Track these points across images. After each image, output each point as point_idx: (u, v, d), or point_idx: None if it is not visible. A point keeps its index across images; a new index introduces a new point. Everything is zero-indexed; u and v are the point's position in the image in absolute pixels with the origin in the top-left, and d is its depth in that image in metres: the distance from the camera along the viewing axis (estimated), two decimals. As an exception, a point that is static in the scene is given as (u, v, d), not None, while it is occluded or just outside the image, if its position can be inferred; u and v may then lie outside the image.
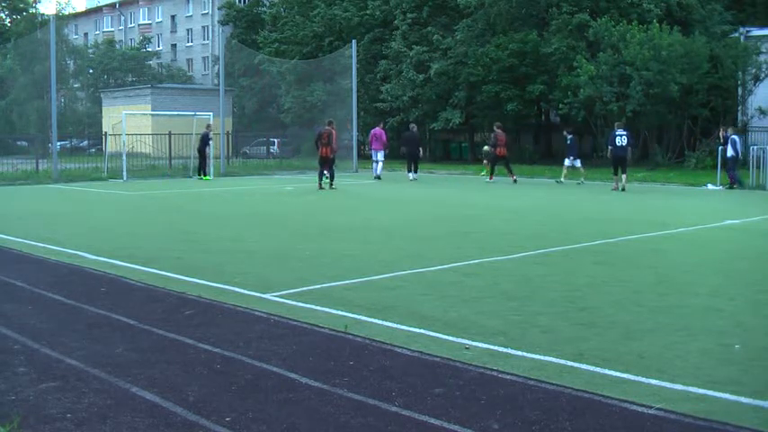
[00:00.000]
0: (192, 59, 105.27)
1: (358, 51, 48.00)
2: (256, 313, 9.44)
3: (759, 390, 6.61)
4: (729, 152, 32.44)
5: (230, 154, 50.07)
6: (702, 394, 6.56)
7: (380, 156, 37.72)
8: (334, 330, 8.59)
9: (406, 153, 38.15)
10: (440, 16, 55.95)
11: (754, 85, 45.26)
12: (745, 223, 19.72)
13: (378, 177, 36.67)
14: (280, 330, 8.69)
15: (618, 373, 7.08)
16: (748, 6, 51.04)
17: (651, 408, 6.20)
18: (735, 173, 31.99)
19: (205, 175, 36.33)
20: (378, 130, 38.46)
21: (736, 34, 46.56)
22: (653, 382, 6.85)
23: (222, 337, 8.30)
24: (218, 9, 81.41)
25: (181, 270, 12.27)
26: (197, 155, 37.54)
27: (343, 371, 7.15)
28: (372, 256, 14.26)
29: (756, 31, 46.40)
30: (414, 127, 38.85)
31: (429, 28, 54.99)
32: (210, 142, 36.62)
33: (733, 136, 32.86)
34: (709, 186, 31.97)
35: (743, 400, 6.42)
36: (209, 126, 37.50)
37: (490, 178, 34.94)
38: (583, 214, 22.04)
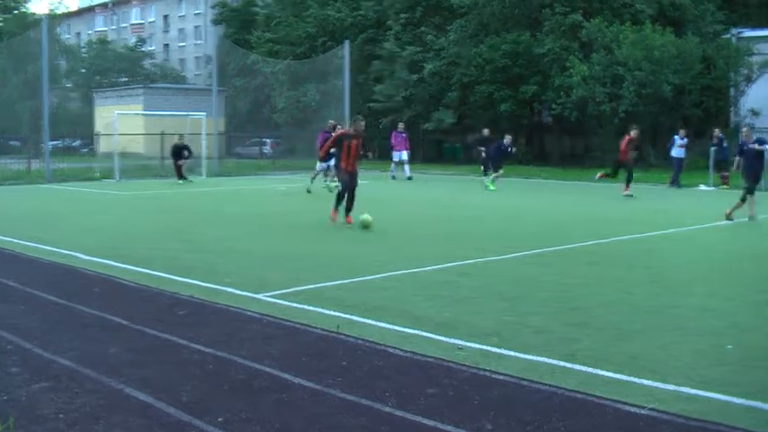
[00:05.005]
0: (184, 59, 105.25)
1: (351, 52, 47.99)
2: (249, 313, 9.43)
3: (752, 390, 6.62)
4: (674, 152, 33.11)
5: (224, 154, 49.99)
6: (695, 395, 6.57)
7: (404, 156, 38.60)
8: (326, 331, 8.59)
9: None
10: (433, 16, 56.00)
11: (747, 86, 45.36)
12: (737, 223, 19.74)
13: (403, 178, 37.49)
14: (272, 330, 8.69)
15: (610, 374, 7.09)
16: (741, 7, 51.15)
17: (644, 408, 6.21)
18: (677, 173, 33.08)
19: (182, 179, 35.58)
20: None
21: (729, 35, 46.70)
22: (645, 382, 6.86)
23: (215, 338, 8.29)
24: (211, 8, 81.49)
25: (173, 270, 12.25)
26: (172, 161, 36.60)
27: (336, 371, 7.14)
28: (365, 256, 14.27)
29: (749, 32, 46.55)
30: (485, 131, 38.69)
31: (422, 28, 55.01)
32: (184, 152, 35.69)
33: (675, 136, 33.45)
34: (702, 187, 32.10)
35: (736, 400, 6.43)
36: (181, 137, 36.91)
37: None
38: (577, 215, 22.06)
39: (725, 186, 32.04)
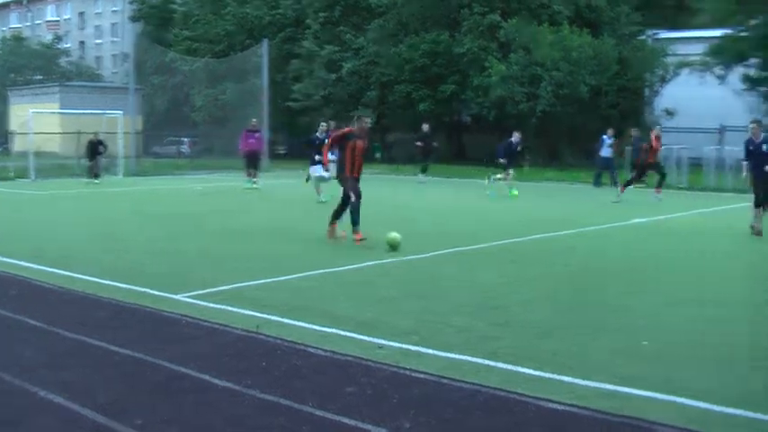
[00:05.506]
0: (101, 57, 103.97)
1: (270, 50, 47.79)
2: (168, 314, 9.32)
3: (667, 385, 6.71)
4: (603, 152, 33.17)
5: (141, 153, 49.47)
6: (615, 390, 6.63)
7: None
8: (246, 331, 8.52)
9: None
10: (351, 16, 55.97)
11: (661, 86, 46.10)
12: (651, 222, 20.07)
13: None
14: (192, 331, 8.60)
15: (532, 371, 7.12)
16: (656, 9, 51.98)
17: (565, 404, 6.25)
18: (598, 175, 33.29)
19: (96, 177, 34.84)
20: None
21: (644, 36, 47.45)
22: (567, 379, 6.91)
23: (133, 339, 8.18)
24: (129, 4, 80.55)
25: (92, 272, 12.05)
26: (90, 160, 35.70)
27: (255, 371, 7.10)
28: (285, 255, 14.16)
29: (664, 34, 47.34)
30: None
31: (341, 27, 54.97)
32: (100, 147, 35.18)
33: (603, 136, 33.55)
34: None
35: (653, 395, 6.50)
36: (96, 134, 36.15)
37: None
38: (495, 213, 22.21)
39: (640, 185, 32.56)
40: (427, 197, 27.58)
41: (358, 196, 15.38)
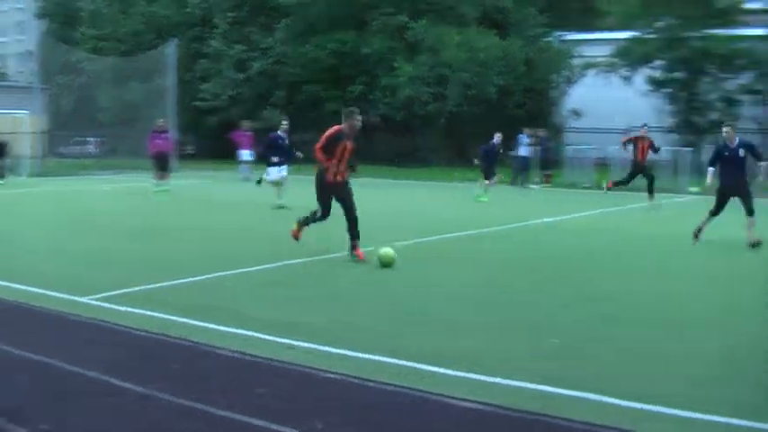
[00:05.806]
0: (5, 55, 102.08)
1: (177, 50, 47.38)
2: (74, 317, 9.16)
3: (574, 382, 6.80)
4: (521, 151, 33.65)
5: (47, 153, 48.65)
6: (523, 387, 6.70)
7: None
8: (155, 334, 8.41)
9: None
10: (260, 15, 55.73)
11: (568, 87, 46.78)
12: (558, 221, 20.38)
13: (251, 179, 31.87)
14: (99, 334, 8.47)
15: (444, 370, 7.15)
16: (563, 11, 52.68)
17: (474, 402, 6.29)
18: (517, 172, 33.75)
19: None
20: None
21: (550, 38, 48.12)
22: (478, 377, 6.96)
23: (36, 342, 8.02)
24: (34, 1, 79.08)
25: (-6, 273, 11.83)
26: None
27: (165, 374, 7.02)
28: (197, 256, 14.05)
29: (570, 36, 48.05)
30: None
31: (250, 28, 54.72)
32: (5, 148, 34.66)
33: (520, 135, 34.02)
34: (532, 185, 33.02)
35: (562, 392, 6.58)
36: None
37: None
38: (402, 213, 22.29)
39: (547, 185, 33.09)
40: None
41: (324, 211, 14.15)
